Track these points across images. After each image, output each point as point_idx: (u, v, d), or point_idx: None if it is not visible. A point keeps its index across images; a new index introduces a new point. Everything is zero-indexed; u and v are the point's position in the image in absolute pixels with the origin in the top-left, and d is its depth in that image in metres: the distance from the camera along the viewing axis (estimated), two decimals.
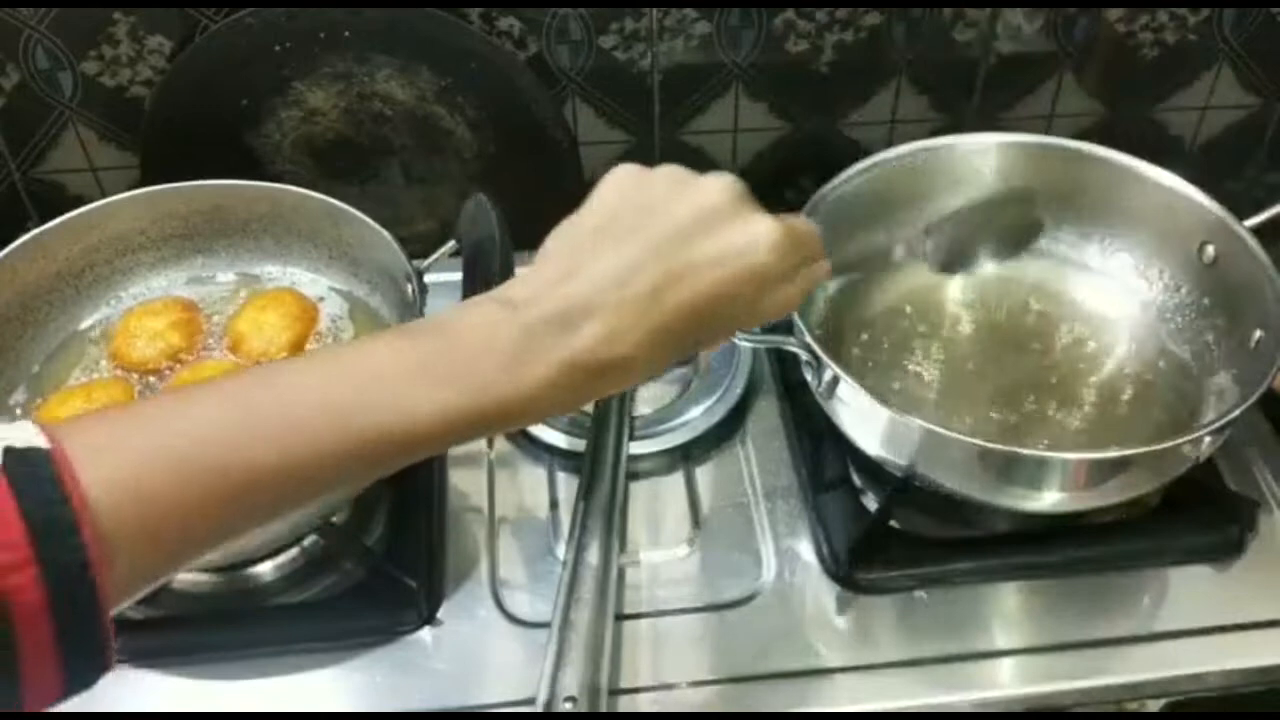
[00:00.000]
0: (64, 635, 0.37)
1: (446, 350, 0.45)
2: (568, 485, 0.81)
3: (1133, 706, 0.72)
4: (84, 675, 0.39)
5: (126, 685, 0.70)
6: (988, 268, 0.86)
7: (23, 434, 0.38)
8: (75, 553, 0.37)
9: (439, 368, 0.45)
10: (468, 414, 0.45)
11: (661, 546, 0.78)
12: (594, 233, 0.49)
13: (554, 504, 0.80)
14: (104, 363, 0.83)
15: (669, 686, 0.70)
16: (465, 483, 0.81)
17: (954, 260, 0.68)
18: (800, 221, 0.52)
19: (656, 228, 0.48)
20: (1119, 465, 0.69)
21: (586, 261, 0.47)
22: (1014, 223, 0.73)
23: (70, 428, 0.40)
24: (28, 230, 0.82)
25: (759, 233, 0.49)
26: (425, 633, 0.73)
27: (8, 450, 0.37)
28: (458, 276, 0.77)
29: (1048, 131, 1.04)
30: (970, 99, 1.02)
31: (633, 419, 0.83)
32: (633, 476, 0.81)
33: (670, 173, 0.51)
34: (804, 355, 0.74)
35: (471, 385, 0.45)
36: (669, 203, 0.49)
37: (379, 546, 0.77)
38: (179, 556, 0.42)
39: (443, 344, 0.45)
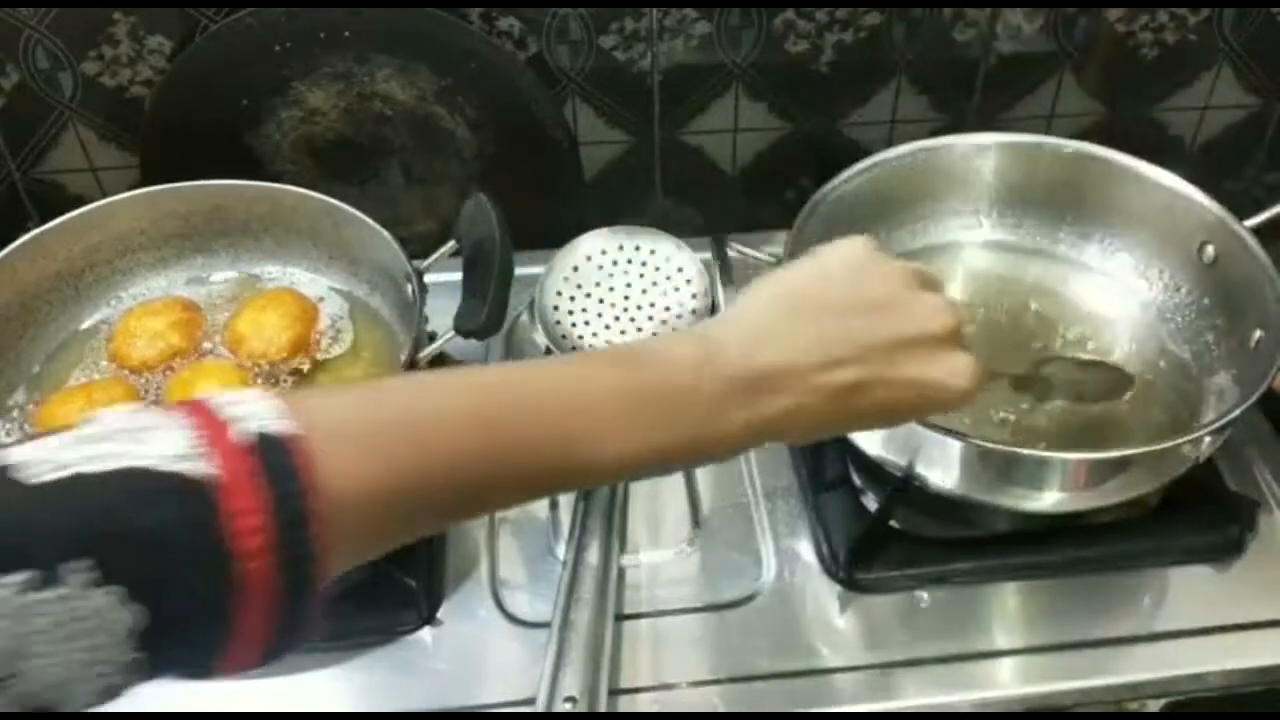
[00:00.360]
0: (279, 617, 0.39)
1: (657, 391, 0.48)
2: None
3: (1133, 706, 0.72)
4: (280, 655, 0.41)
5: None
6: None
7: (269, 412, 0.40)
8: (306, 546, 0.39)
9: (648, 408, 0.47)
10: (666, 454, 0.48)
11: (661, 546, 0.78)
12: (808, 301, 0.50)
13: (554, 504, 0.80)
14: (104, 363, 0.83)
15: (669, 686, 0.70)
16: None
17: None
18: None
19: (874, 330, 0.50)
20: (1119, 465, 0.69)
21: (796, 331, 0.49)
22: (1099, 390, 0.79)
23: (315, 413, 0.41)
24: (28, 230, 0.82)
25: (959, 373, 0.51)
26: (425, 633, 0.73)
27: (263, 436, 0.39)
28: (458, 276, 0.77)
29: (1048, 131, 1.04)
30: (970, 99, 1.02)
31: None
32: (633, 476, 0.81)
33: (902, 275, 0.52)
34: None
35: (671, 431, 0.47)
36: (892, 308, 0.50)
37: None
38: (389, 544, 0.45)
39: (655, 383, 0.48)
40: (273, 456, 0.39)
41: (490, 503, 0.49)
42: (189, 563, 0.38)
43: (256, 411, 0.40)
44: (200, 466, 0.38)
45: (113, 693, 0.39)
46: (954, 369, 0.51)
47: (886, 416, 0.52)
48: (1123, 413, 0.81)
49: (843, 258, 0.52)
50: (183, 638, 0.39)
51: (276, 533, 0.38)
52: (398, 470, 0.42)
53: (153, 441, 0.38)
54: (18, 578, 0.35)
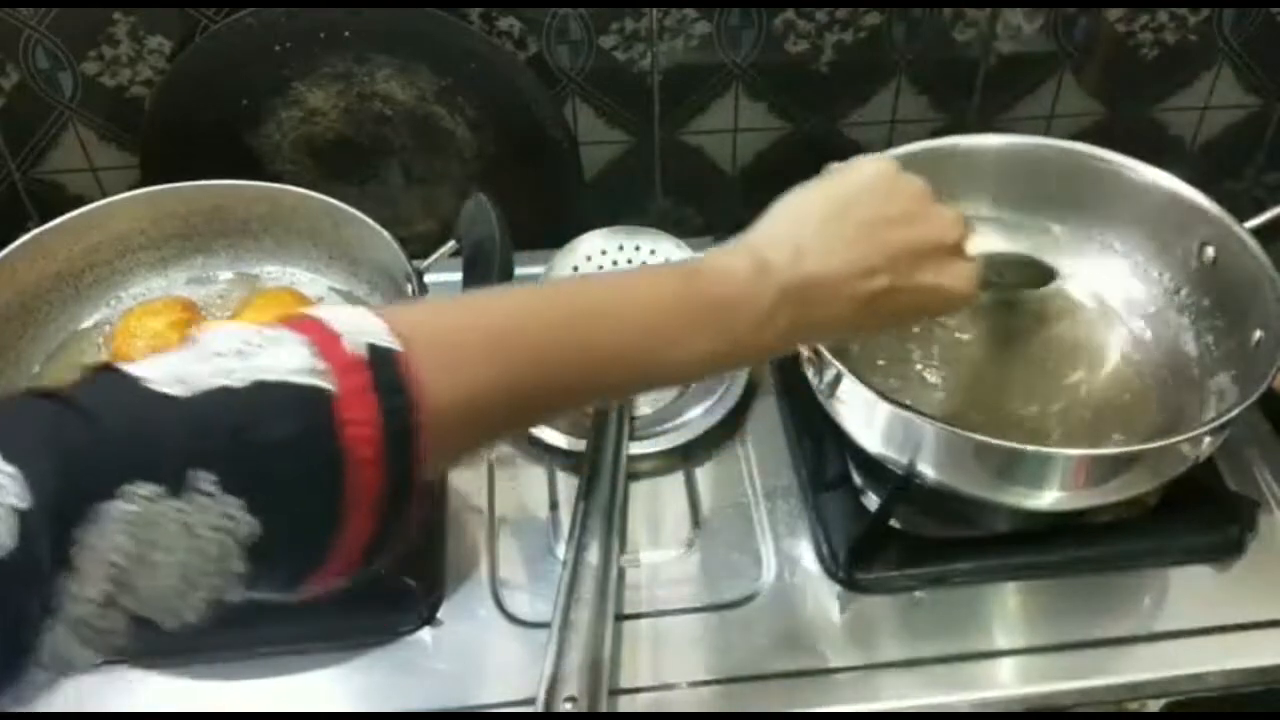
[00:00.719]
0: (379, 528, 0.42)
1: (720, 300, 0.52)
2: (568, 485, 0.81)
3: (1133, 706, 0.72)
4: (371, 565, 0.44)
5: (126, 685, 0.70)
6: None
7: (375, 328, 0.43)
8: (410, 455, 0.42)
9: (712, 315, 0.52)
10: (714, 357, 0.53)
11: (661, 546, 0.78)
12: (839, 217, 0.55)
13: (554, 504, 0.80)
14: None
15: (669, 686, 0.70)
16: (465, 483, 0.81)
17: None
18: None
19: (902, 240, 0.55)
20: (1119, 463, 0.69)
21: (834, 242, 0.54)
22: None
23: (417, 329, 0.44)
24: (28, 230, 0.82)
25: (964, 277, 0.58)
26: (425, 633, 0.73)
27: (372, 347, 0.42)
28: (458, 276, 0.77)
29: (1048, 131, 1.04)
30: (970, 99, 1.02)
31: (633, 419, 0.83)
32: (633, 476, 0.81)
33: (922, 190, 0.58)
34: (805, 353, 0.74)
35: (730, 337, 0.52)
36: (916, 220, 0.56)
37: None
38: (471, 453, 0.50)
39: (718, 293, 0.52)
40: (382, 372, 0.41)
41: (576, 402, 0.57)
42: (307, 473, 0.40)
43: (365, 327, 0.43)
44: (319, 380, 0.40)
45: (213, 608, 0.40)
46: (959, 274, 0.57)
47: (901, 317, 0.58)
48: (1123, 411, 0.81)
49: (869, 174, 0.57)
50: (291, 549, 0.41)
51: (385, 444, 0.41)
52: (494, 378, 0.46)
53: (275, 356, 0.40)
54: (147, 489, 0.36)
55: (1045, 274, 0.85)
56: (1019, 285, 0.85)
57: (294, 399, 0.40)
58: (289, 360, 0.40)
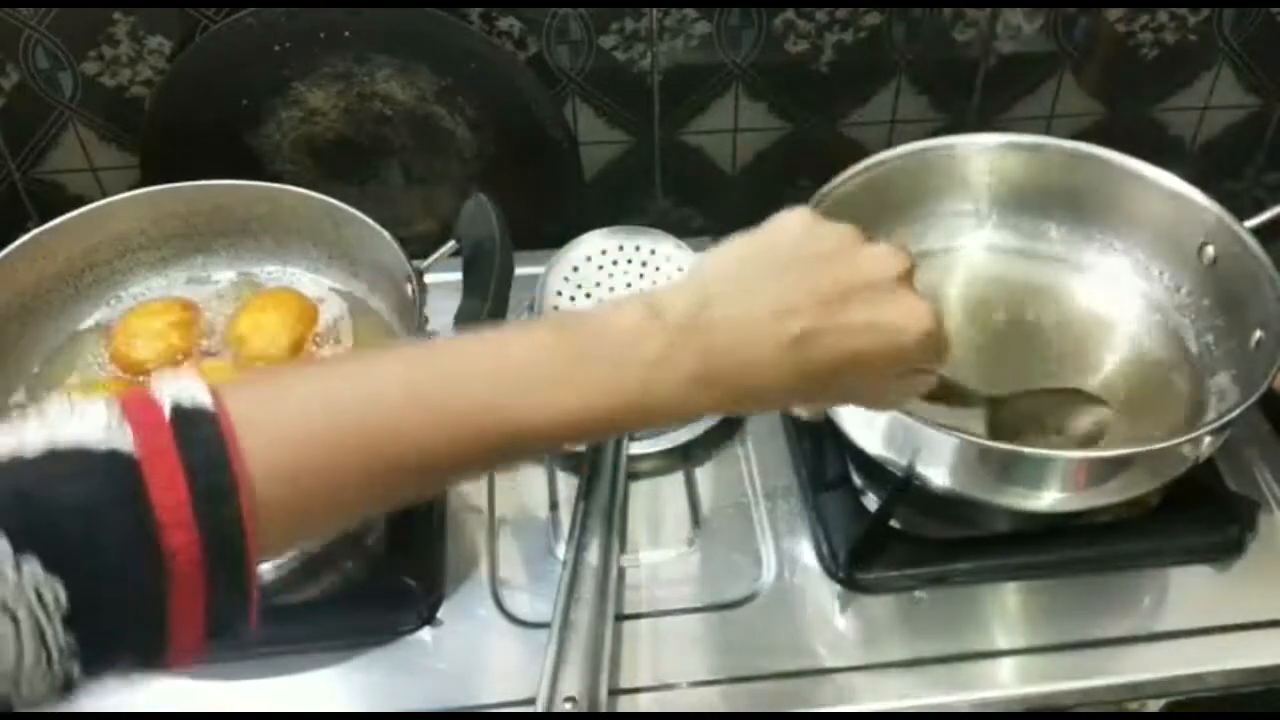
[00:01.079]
0: (213, 594, 0.39)
1: (594, 352, 0.47)
2: (568, 485, 0.81)
3: (1133, 706, 0.72)
4: (226, 631, 0.41)
5: (127, 684, 0.69)
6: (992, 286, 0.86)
7: (189, 390, 0.40)
8: (233, 522, 0.39)
9: (586, 369, 0.46)
10: (600, 418, 0.46)
11: (661, 546, 0.78)
12: (755, 263, 0.50)
13: (554, 504, 0.80)
14: (104, 363, 0.83)
15: (669, 686, 0.70)
16: (465, 483, 0.81)
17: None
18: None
19: (822, 279, 0.49)
20: (1119, 464, 0.69)
21: (744, 289, 0.49)
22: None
23: (234, 392, 0.41)
24: (28, 230, 0.82)
25: (916, 316, 0.50)
26: (425, 633, 0.73)
27: (176, 408, 0.39)
28: (458, 276, 0.77)
29: (1048, 131, 1.04)
30: (970, 99, 1.02)
31: None
32: (633, 476, 0.81)
33: (844, 233, 0.51)
34: None
35: (610, 393, 0.46)
36: (839, 259, 0.50)
37: (379, 546, 0.77)
38: (323, 526, 0.45)
39: (592, 345, 0.47)
40: (190, 430, 0.39)
41: (427, 476, 0.46)
42: (110, 534, 0.37)
43: (178, 388, 0.40)
44: (118, 443, 0.38)
45: (57, 687, 0.38)
46: (908, 310, 0.50)
47: (845, 375, 0.50)
48: (1123, 411, 0.81)
49: (785, 223, 0.52)
50: (113, 616, 0.38)
51: (196, 502, 0.38)
52: (319, 436, 0.42)
53: (76, 421, 0.39)
54: None
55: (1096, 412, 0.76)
56: (1072, 431, 0.75)
57: (87, 462, 0.38)
58: (86, 426, 0.39)
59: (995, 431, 0.68)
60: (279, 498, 0.41)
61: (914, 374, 0.54)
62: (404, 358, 0.46)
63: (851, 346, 0.49)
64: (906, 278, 0.51)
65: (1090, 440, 0.73)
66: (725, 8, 0.93)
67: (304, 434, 0.42)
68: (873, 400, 0.54)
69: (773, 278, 0.49)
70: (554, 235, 0.89)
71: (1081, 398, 0.76)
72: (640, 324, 0.47)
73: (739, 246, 0.51)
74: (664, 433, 0.83)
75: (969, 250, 0.92)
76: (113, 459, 0.38)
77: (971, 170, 0.89)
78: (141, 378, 0.82)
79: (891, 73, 0.99)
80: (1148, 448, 0.69)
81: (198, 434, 0.39)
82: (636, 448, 0.82)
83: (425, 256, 0.80)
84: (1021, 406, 0.72)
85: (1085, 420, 0.74)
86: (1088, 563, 0.76)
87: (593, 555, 0.72)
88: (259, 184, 0.87)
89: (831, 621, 0.73)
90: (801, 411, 0.59)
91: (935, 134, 0.89)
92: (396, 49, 0.92)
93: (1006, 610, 0.74)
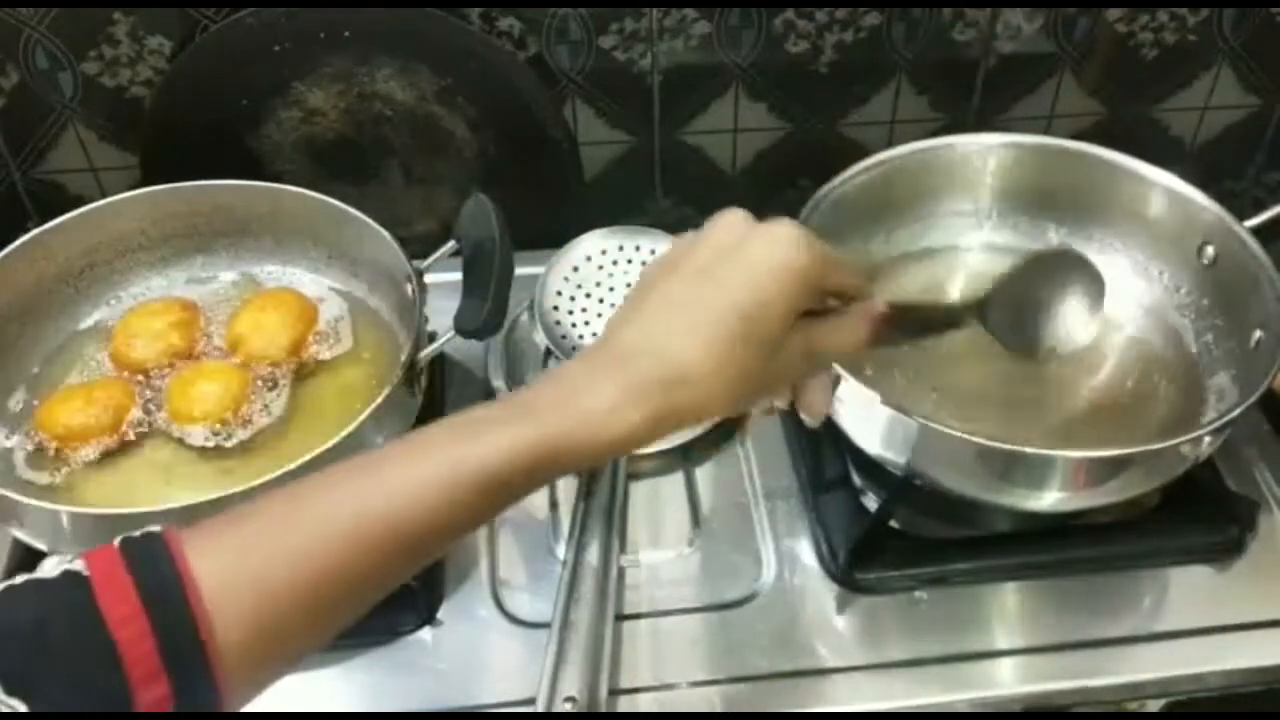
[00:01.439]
0: (176, 685, 0.40)
1: (521, 395, 0.49)
2: (568, 485, 0.81)
3: (1133, 706, 0.72)
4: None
5: None
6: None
7: (137, 531, 0.43)
8: (186, 622, 0.40)
9: (512, 406, 0.48)
10: (537, 446, 0.46)
11: (661, 546, 0.78)
12: (650, 283, 0.51)
13: (554, 504, 0.80)
14: (104, 363, 0.83)
15: (669, 686, 0.70)
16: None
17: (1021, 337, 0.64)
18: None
19: (690, 265, 0.50)
20: (1119, 464, 0.69)
21: (641, 305, 0.50)
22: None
23: (192, 539, 0.43)
24: (28, 230, 0.82)
25: (776, 235, 0.49)
26: (425, 633, 0.73)
27: (125, 537, 0.42)
28: (458, 276, 0.77)
29: (1047, 131, 1.04)
30: (970, 99, 1.02)
31: None
32: (633, 476, 0.81)
33: (683, 239, 0.52)
34: None
35: (537, 419, 0.46)
36: (694, 246, 0.51)
37: None
38: (287, 652, 0.46)
39: (521, 393, 0.49)
40: (138, 550, 0.41)
41: (381, 593, 0.48)
42: (65, 644, 0.39)
43: (127, 531, 0.43)
44: (72, 568, 0.41)
45: None
46: (767, 237, 0.49)
47: (758, 323, 0.48)
48: (1122, 411, 0.81)
49: (678, 242, 0.52)
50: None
51: (147, 608, 0.40)
52: (269, 540, 0.44)
53: (39, 568, 0.41)
54: None
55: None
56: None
57: (36, 589, 0.40)
58: (47, 564, 0.41)
59: (1000, 334, 0.61)
60: (237, 621, 0.42)
61: (841, 314, 0.52)
62: (361, 492, 0.46)
63: (742, 296, 0.48)
64: (749, 220, 0.51)
65: (1094, 299, 0.66)
66: (725, 8, 0.93)
67: (245, 544, 0.44)
68: (816, 348, 0.52)
69: (662, 287, 0.50)
70: (554, 235, 0.89)
71: (1068, 258, 0.70)
72: (563, 366, 0.50)
73: (647, 278, 0.52)
74: None
75: (969, 250, 0.92)
76: (68, 581, 0.40)
77: (971, 170, 0.89)
78: (141, 376, 0.82)
79: (891, 73, 0.99)
80: (1148, 447, 0.69)
81: (146, 551, 0.41)
82: None
83: (425, 256, 0.80)
84: (1012, 294, 0.62)
85: (1080, 280, 0.66)
86: (1088, 563, 0.76)
87: (593, 555, 0.72)
88: (259, 184, 0.87)
89: (831, 621, 0.73)
90: (807, 419, 0.58)
91: (935, 134, 0.89)
92: (396, 49, 0.92)
93: (1006, 610, 0.74)
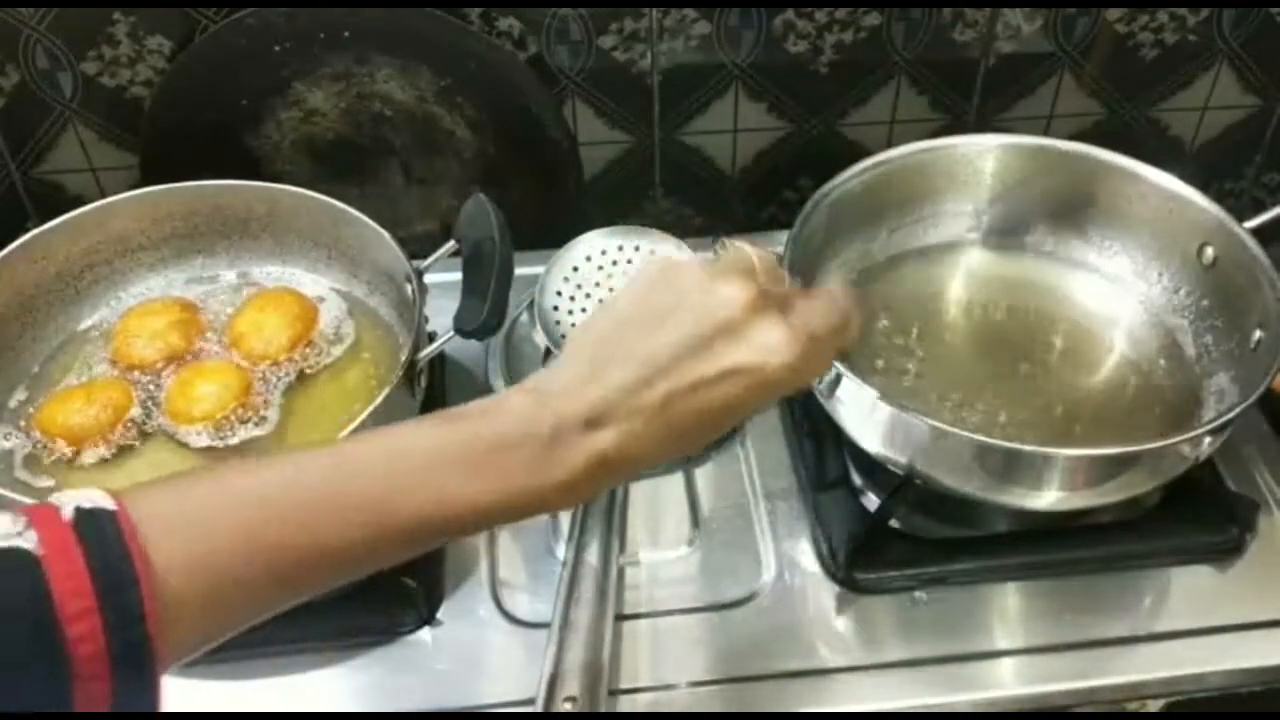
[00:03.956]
0: (117, 682, 0.40)
1: (485, 443, 0.47)
2: None
3: (1133, 706, 0.72)
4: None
5: None
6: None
7: (91, 495, 0.42)
8: (134, 606, 0.40)
9: (477, 460, 0.47)
10: (499, 503, 0.47)
11: (661, 546, 0.78)
12: (615, 332, 0.50)
13: None
14: (104, 363, 0.83)
15: (669, 686, 0.70)
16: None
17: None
18: (820, 309, 0.51)
19: (669, 339, 0.49)
20: (1119, 463, 0.69)
21: (607, 364, 0.49)
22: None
23: (137, 495, 0.43)
24: (28, 230, 0.82)
25: (771, 347, 0.49)
26: (425, 633, 0.73)
27: (78, 509, 0.41)
28: (458, 276, 0.77)
29: (1047, 132, 1.04)
30: (970, 99, 1.02)
31: None
32: None
33: (691, 275, 0.50)
34: None
35: (505, 477, 0.47)
36: (682, 311, 0.49)
37: None
38: (231, 623, 0.46)
39: (483, 436, 0.48)
40: (91, 526, 0.41)
41: (335, 570, 0.47)
42: (11, 626, 0.38)
43: (79, 495, 0.42)
44: (21, 541, 0.40)
45: None
46: (764, 345, 0.49)
47: (719, 418, 0.50)
48: (1122, 411, 0.81)
49: (636, 280, 0.52)
50: (13, 703, 0.39)
51: (100, 596, 0.39)
52: (220, 530, 0.44)
53: None
54: None
55: None
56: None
57: None
58: None
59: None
60: (184, 594, 0.42)
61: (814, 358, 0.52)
62: (299, 458, 0.47)
63: (715, 397, 0.49)
64: (757, 307, 0.49)
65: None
66: (725, 8, 0.93)
67: (205, 530, 0.43)
68: (736, 420, 0.53)
69: (625, 347, 0.49)
70: (554, 235, 0.89)
71: None
72: (528, 413, 0.48)
73: (600, 314, 0.51)
74: None
75: (969, 250, 0.92)
76: (13, 555, 0.39)
77: (971, 170, 0.89)
78: (140, 375, 0.82)
79: (891, 73, 0.99)
80: (1147, 446, 0.69)
81: (98, 530, 0.41)
82: None
83: (425, 256, 0.80)
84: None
85: None
86: (1088, 563, 0.76)
87: (593, 555, 0.72)
88: (259, 184, 0.87)
89: (831, 622, 0.73)
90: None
91: (935, 134, 0.90)
92: (396, 49, 0.92)
93: (1006, 610, 0.74)
